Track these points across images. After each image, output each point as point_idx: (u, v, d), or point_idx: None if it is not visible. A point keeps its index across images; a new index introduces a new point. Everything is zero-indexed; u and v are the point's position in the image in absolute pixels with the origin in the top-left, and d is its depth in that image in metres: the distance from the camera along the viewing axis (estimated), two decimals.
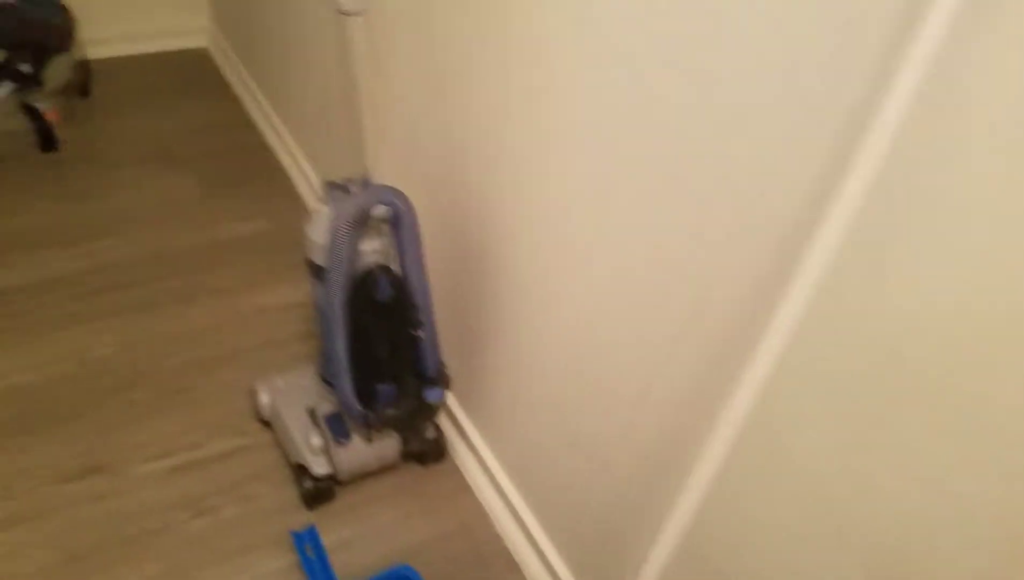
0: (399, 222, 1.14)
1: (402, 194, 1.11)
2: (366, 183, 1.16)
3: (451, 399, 1.51)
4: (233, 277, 1.85)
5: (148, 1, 2.57)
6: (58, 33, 2.15)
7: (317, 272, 1.22)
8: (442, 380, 1.31)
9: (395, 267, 1.20)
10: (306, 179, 2.07)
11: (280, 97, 2.19)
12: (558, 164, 0.98)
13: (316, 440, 1.36)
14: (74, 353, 1.61)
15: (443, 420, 1.52)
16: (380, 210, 1.10)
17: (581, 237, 0.98)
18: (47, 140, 2.16)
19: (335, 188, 1.22)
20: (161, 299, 1.76)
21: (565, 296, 1.05)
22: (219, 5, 2.57)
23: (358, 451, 1.37)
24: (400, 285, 1.19)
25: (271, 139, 2.29)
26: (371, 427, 1.32)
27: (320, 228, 1.18)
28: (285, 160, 2.21)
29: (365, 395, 1.27)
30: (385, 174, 1.20)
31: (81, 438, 1.45)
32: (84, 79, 2.36)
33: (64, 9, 2.20)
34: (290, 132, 2.16)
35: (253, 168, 2.22)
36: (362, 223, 1.12)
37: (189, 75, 2.59)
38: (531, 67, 0.97)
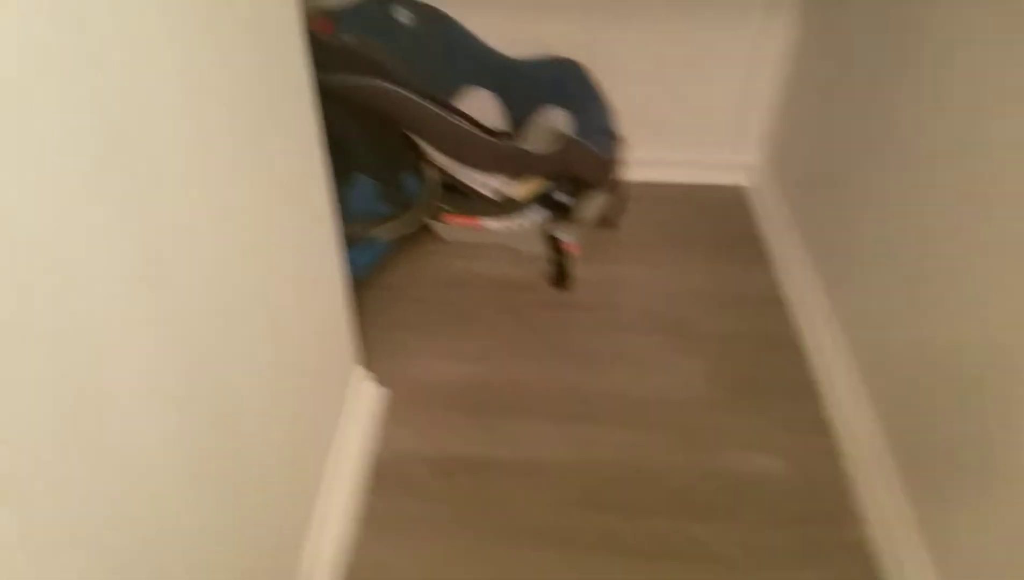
0: None
1: None
2: None
3: None
4: (735, 542, 1.41)
5: (697, 132, 2.31)
6: (605, 170, 1.99)
7: None
8: None
9: None
10: (855, 415, 1.54)
11: (843, 288, 1.70)
12: None
13: None
14: None
15: None
16: None
17: None
18: (561, 275, 2.02)
19: None
20: (640, 543, 1.42)
21: None
22: (785, 145, 2.17)
23: None
24: None
25: (807, 334, 1.81)
26: None
27: None
28: (821, 373, 1.71)
29: None
30: None
31: None
32: (615, 212, 2.18)
33: (616, 144, 2.03)
34: (847, 341, 1.64)
35: (777, 372, 1.76)
36: None
37: (718, 219, 2.26)
38: None
